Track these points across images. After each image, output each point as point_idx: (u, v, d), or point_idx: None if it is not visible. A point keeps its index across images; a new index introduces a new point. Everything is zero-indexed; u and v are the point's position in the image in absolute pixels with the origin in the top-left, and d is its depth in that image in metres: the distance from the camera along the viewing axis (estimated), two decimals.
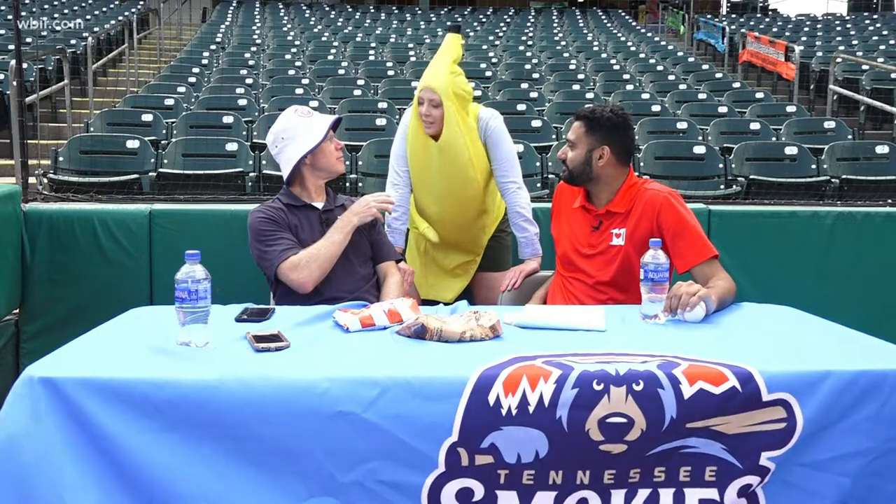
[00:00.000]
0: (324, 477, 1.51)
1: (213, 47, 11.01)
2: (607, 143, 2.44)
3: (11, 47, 6.93)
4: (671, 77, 9.72)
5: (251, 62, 9.79)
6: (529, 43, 12.74)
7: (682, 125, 6.67)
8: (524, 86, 8.50)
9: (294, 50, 10.82)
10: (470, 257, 3.09)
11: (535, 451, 1.52)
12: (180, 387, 1.51)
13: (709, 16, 16.46)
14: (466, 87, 2.91)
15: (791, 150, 5.81)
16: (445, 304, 2.34)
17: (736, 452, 1.55)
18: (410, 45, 11.70)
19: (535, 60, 10.63)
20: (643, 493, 1.55)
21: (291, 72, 9.15)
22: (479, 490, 1.53)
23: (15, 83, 4.22)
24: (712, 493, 1.56)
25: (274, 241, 2.46)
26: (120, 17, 11.98)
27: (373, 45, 11.58)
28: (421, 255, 3.12)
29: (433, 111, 2.84)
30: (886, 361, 1.65)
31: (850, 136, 6.74)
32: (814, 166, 5.68)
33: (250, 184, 5.10)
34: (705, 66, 11.11)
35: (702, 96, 8.33)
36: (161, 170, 5.09)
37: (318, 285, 2.44)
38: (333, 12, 15.73)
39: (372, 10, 16.26)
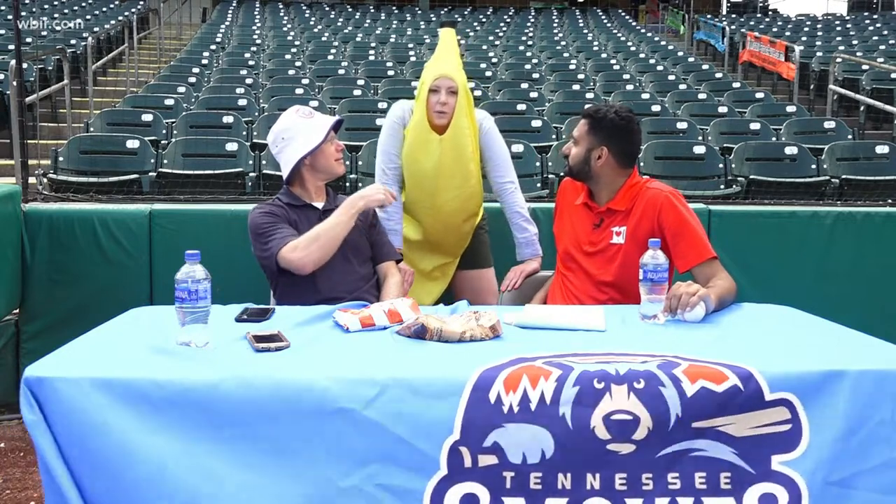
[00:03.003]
0: (322, 482, 1.48)
1: (213, 47, 11.01)
2: (606, 144, 2.44)
3: (11, 47, 6.93)
4: (671, 77, 9.71)
5: (251, 62, 9.78)
6: (529, 43, 12.74)
7: (682, 125, 6.66)
8: (524, 86, 8.49)
9: (294, 50, 10.81)
10: (449, 259, 3.07)
11: (540, 451, 1.50)
12: (180, 387, 1.51)
13: (709, 16, 16.47)
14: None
15: (791, 150, 5.81)
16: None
17: (746, 456, 1.52)
18: (410, 45, 11.70)
19: (535, 60, 10.62)
20: (661, 503, 1.50)
21: (291, 72, 9.14)
22: (484, 496, 1.49)
23: (15, 83, 4.21)
24: (729, 503, 1.51)
25: (274, 231, 2.45)
26: (120, 17, 11.99)
27: (373, 45, 11.58)
28: None
29: (451, 99, 2.81)
30: (887, 361, 1.64)
31: (850, 136, 6.73)
32: (814, 166, 5.68)
33: (250, 184, 5.09)
34: (705, 66, 11.11)
35: (702, 96, 8.33)
36: (161, 170, 5.08)
37: (318, 285, 2.43)
38: (333, 12, 15.73)
39: (372, 10, 16.26)
